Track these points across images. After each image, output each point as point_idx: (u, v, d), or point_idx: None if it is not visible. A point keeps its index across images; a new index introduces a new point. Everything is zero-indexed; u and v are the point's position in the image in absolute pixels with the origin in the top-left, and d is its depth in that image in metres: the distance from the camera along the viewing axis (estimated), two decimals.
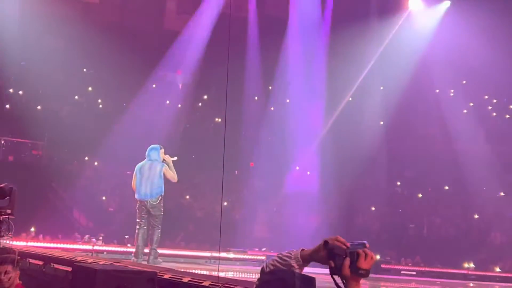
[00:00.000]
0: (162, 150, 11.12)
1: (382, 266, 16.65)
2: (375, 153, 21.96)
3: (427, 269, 17.44)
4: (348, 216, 21.67)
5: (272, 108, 24.81)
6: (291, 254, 3.22)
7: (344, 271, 3.05)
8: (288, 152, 22.15)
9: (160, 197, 10.85)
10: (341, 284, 3.10)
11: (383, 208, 22.77)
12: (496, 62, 21.16)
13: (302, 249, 3.23)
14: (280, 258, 3.24)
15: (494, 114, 24.17)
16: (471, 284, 15.44)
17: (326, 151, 22.07)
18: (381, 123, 23.37)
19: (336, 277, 3.06)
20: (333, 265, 3.03)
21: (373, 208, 22.57)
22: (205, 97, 25.12)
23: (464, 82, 23.00)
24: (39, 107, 22.14)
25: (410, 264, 18.51)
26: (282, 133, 23.00)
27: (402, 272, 16.92)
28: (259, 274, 3.32)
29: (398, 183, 23.75)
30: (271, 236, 20.58)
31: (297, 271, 3.16)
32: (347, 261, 3.04)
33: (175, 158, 11.11)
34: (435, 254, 19.58)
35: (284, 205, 22.10)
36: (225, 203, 20.67)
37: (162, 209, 10.85)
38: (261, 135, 23.05)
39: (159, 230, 10.87)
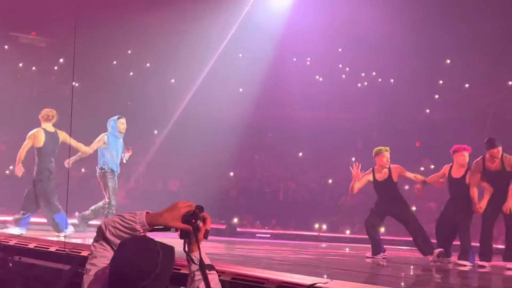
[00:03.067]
0: (121, 120, 10.74)
1: (238, 229, 17.07)
2: (235, 120, 22.20)
3: (281, 231, 18.05)
4: (207, 181, 21.88)
5: (131, 73, 24.43)
6: (135, 217, 3.15)
7: (200, 235, 3.13)
8: (149, 118, 21.92)
9: None
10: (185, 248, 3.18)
11: (242, 173, 23.20)
12: (351, 30, 21.93)
13: (147, 212, 3.17)
14: (122, 220, 3.15)
15: (347, 82, 25.06)
16: (323, 245, 16.12)
17: (187, 117, 22.10)
18: (241, 90, 23.65)
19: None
20: (192, 230, 3.09)
21: (231, 174, 22.92)
22: (61, 60, 24.23)
23: (320, 50, 23.58)
24: None
25: (266, 228, 19.07)
26: (142, 98, 22.74)
27: (257, 235, 17.42)
28: (96, 233, 3.26)
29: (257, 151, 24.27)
30: (128, 202, 20.38)
31: (141, 235, 3.15)
32: (202, 225, 3.13)
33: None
34: (290, 217, 20.28)
35: (143, 171, 21.97)
36: (83, 170, 20.24)
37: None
38: (120, 100, 22.63)
39: None
